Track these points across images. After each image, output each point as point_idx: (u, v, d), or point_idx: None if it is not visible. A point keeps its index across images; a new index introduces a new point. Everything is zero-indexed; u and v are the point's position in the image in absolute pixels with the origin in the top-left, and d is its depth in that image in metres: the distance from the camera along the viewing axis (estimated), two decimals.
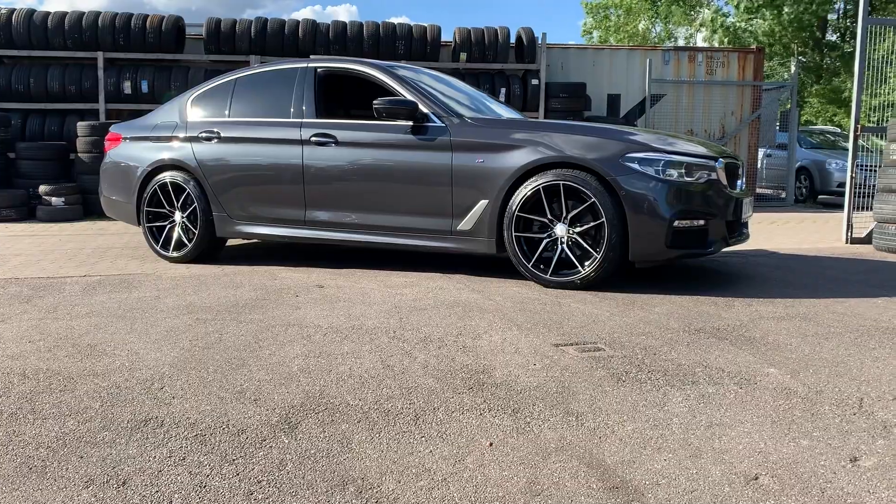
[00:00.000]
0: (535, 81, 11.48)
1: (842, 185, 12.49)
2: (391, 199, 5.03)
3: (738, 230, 4.86)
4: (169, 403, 2.56)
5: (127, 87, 10.95)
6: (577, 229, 4.51)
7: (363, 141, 5.13)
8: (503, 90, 11.40)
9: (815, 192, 13.28)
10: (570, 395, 2.65)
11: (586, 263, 4.48)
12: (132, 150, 6.13)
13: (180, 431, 2.32)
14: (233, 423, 2.39)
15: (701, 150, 4.65)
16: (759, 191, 13.54)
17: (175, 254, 5.85)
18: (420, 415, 2.47)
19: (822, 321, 3.79)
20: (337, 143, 5.20)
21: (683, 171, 4.42)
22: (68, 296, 4.40)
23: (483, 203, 4.73)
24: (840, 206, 8.89)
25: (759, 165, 13.56)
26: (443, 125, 4.89)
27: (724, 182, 4.62)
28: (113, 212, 6.39)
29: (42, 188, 9.58)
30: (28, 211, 9.65)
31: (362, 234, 5.19)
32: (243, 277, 5.01)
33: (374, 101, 4.93)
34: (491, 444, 2.24)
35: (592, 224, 4.46)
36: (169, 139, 5.92)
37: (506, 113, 5.88)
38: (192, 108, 5.99)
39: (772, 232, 8.13)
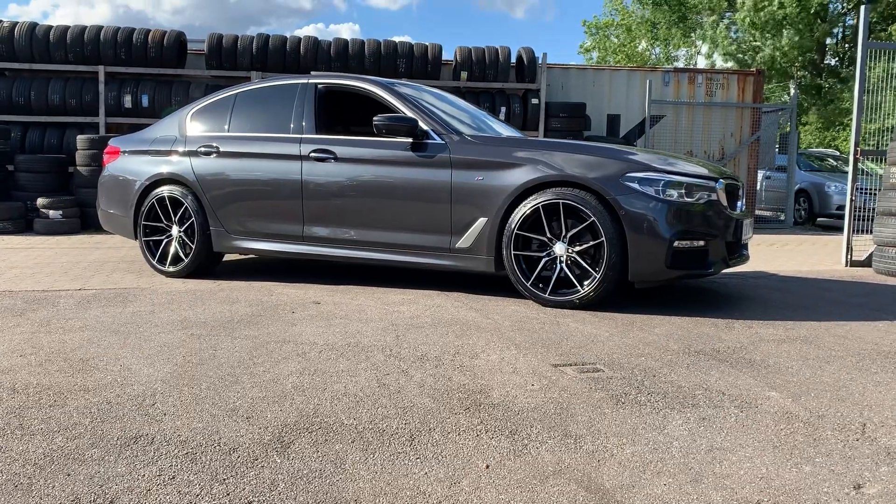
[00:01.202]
0: (535, 101, 11.51)
1: (841, 207, 12.50)
2: (390, 216, 5.00)
3: (738, 251, 4.83)
4: (160, 420, 2.51)
5: (128, 101, 10.96)
6: (577, 248, 4.48)
7: (363, 157, 5.11)
8: (503, 109, 11.42)
9: (814, 215, 13.28)
10: (569, 417, 2.61)
11: (585, 283, 4.45)
12: (131, 163, 6.11)
13: (170, 449, 2.27)
14: (224, 441, 2.35)
15: (701, 170, 4.63)
16: (758, 213, 13.54)
17: (172, 268, 5.81)
18: (415, 435, 2.42)
19: (822, 344, 3.75)
20: (336, 158, 5.18)
21: (684, 191, 4.40)
22: (62, 309, 4.36)
23: (482, 221, 4.71)
24: (839, 229, 8.90)
25: (758, 187, 13.57)
26: (442, 142, 4.88)
27: (725, 203, 4.60)
28: (110, 225, 6.35)
29: (40, 201, 9.56)
30: (26, 224, 9.63)
31: (361, 250, 5.16)
32: (239, 293, 4.97)
33: (375, 118, 4.92)
34: (487, 467, 2.19)
35: (592, 243, 4.43)
36: (168, 153, 5.90)
37: (505, 131, 5.88)
38: (191, 123, 5.98)
39: (771, 254, 8.11)
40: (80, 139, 9.96)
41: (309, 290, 5.11)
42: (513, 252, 4.62)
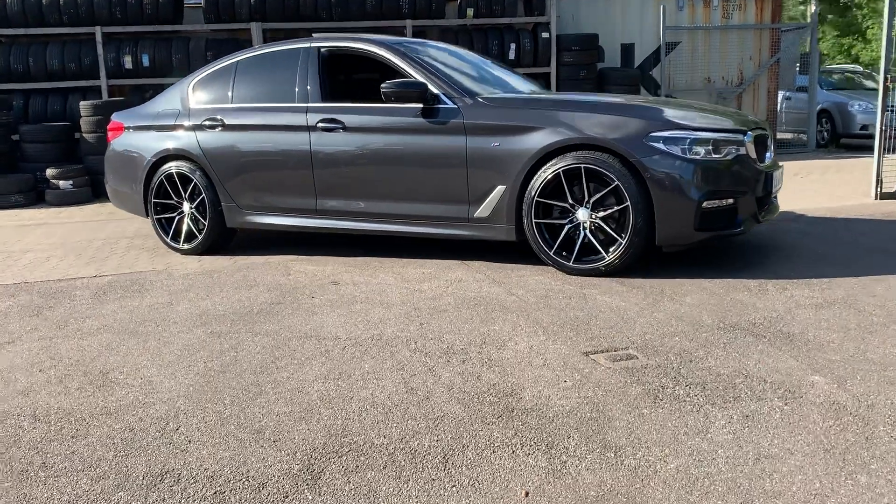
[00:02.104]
0: (545, 35, 11.10)
1: (865, 127, 12.16)
2: (405, 187, 4.84)
3: (768, 205, 4.64)
4: (185, 450, 2.44)
5: (128, 61, 10.70)
6: (601, 214, 4.32)
7: (372, 126, 4.92)
8: (513, 46, 11.04)
9: (836, 136, 12.90)
10: (606, 422, 2.51)
11: (611, 249, 4.30)
12: (135, 139, 5.95)
13: (198, 488, 2.20)
14: (253, 474, 2.27)
15: (728, 123, 4.41)
16: (779, 135, 13.18)
17: (186, 246, 5.72)
18: (449, 455, 2.34)
19: (863, 308, 3.61)
20: (345, 128, 4.99)
21: (711, 147, 4.20)
22: (78, 305, 4.29)
23: (500, 188, 4.54)
24: (863, 150, 8.60)
25: (778, 109, 13.17)
26: (455, 107, 4.67)
27: (754, 156, 4.39)
28: (121, 203, 6.24)
29: (49, 172, 9.44)
30: (37, 195, 9.52)
31: (377, 222, 5.02)
32: (256, 273, 4.87)
33: (382, 85, 4.70)
34: (527, 494, 2.11)
35: (616, 208, 4.27)
36: (172, 128, 5.73)
37: (525, 87, 5.62)
38: (193, 94, 5.78)
39: (796, 187, 7.87)
40: (84, 105, 9.76)
41: (327, 266, 5.00)
42: (534, 220, 4.46)
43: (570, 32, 11.42)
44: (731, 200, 4.27)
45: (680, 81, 11.91)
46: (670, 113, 4.39)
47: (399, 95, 4.70)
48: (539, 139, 4.39)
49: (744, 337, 3.26)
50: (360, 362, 3.15)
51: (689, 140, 4.16)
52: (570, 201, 4.39)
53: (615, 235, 4.28)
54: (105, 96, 10.55)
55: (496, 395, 2.76)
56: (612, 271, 4.32)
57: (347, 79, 5.84)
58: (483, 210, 4.62)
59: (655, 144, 4.16)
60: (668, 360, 3.02)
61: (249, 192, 5.41)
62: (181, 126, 5.67)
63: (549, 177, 4.37)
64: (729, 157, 4.24)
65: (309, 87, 5.21)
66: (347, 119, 4.99)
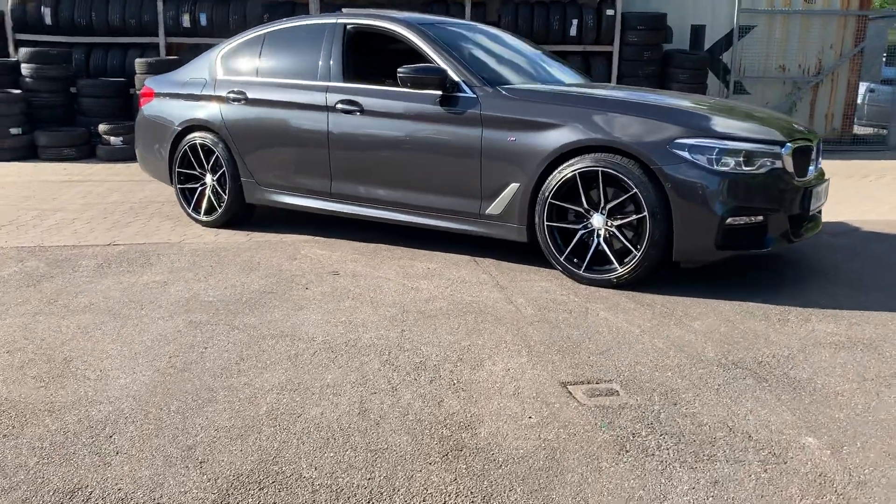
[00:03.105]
0: (610, 12, 10.61)
1: None
2: (418, 176, 4.63)
3: (804, 223, 4.25)
4: (108, 464, 2.33)
5: (186, 20, 10.71)
6: (617, 222, 4.03)
7: (389, 111, 4.71)
8: (574, 22, 10.60)
9: None
10: (557, 475, 2.29)
11: (624, 260, 4.02)
12: (164, 106, 5.89)
13: None
14: (164, 501, 2.14)
15: (766, 132, 4.03)
16: (857, 130, 12.38)
17: (206, 218, 5.66)
18: (373, 499, 2.16)
19: (888, 353, 3.25)
20: (362, 111, 4.79)
21: (742, 159, 3.84)
22: (78, 277, 4.25)
23: (514, 186, 4.28)
24: None
25: (859, 101, 12.35)
26: (473, 96, 4.41)
27: (791, 170, 4.01)
28: (147, 168, 6.22)
29: (101, 127, 9.55)
30: (89, 150, 9.66)
31: (389, 211, 4.83)
32: (263, 255, 4.76)
33: (399, 69, 4.48)
34: None
35: (633, 217, 3.97)
36: (198, 97, 5.64)
37: (567, 78, 5.30)
38: (221, 65, 5.67)
39: (862, 191, 7.31)
40: (139, 62, 9.81)
41: (336, 251, 4.86)
42: (545, 222, 4.20)
43: (637, 10, 10.88)
44: (759, 218, 3.92)
45: (752, 68, 11.26)
46: (702, 118, 4.05)
47: (416, 81, 4.47)
48: (557, 137, 4.11)
49: (743, 378, 2.97)
50: (324, 372, 2.99)
51: (717, 149, 3.82)
52: (586, 206, 4.11)
53: (630, 246, 3.99)
54: (163, 54, 10.60)
55: (451, 427, 2.56)
56: (623, 284, 4.04)
57: (371, 59, 5.62)
58: (495, 207, 4.39)
59: (679, 152, 3.83)
60: (650, 401, 2.77)
61: (268, 169, 5.29)
62: (207, 96, 5.58)
63: (565, 178, 4.09)
64: (762, 171, 3.88)
65: (332, 66, 5.03)
66: (365, 102, 4.79)
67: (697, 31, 11.33)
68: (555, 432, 2.53)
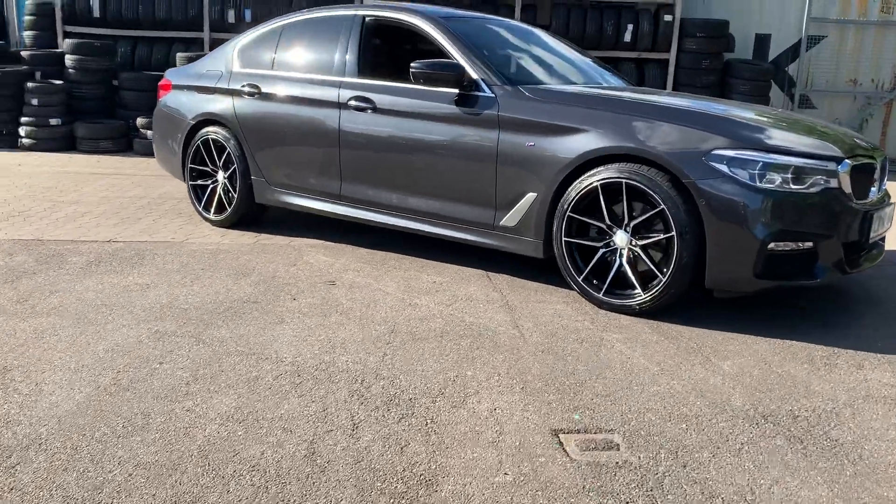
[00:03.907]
0: (668, 17, 10.04)
1: None
2: (429, 182, 4.24)
3: (863, 252, 3.71)
4: None
5: (231, 15, 10.56)
6: (643, 241, 3.56)
7: (403, 109, 4.32)
8: (630, 27, 10.08)
9: None
10: None
11: (650, 285, 3.54)
12: (180, 99, 5.64)
13: None
14: None
15: (819, 147, 3.51)
16: None
17: (216, 217, 5.37)
18: None
19: None
20: (374, 109, 4.42)
21: (790, 176, 3.34)
22: (61, 275, 3.98)
23: (531, 196, 3.85)
24: None
25: None
26: (492, 96, 4.00)
27: (849, 190, 3.48)
28: (163, 163, 5.98)
29: (139, 120, 9.46)
30: (127, 143, 9.56)
31: (399, 217, 4.45)
32: (263, 258, 4.43)
33: (412, 64, 4.10)
34: None
35: (662, 237, 3.49)
36: (213, 90, 5.37)
37: (607, 81, 4.85)
38: (237, 57, 5.39)
39: None
40: (179, 57, 9.67)
41: (340, 258, 4.50)
42: (563, 238, 3.75)
43: (697, 17, 10.29)
44: (809, 244, 3.41)
45: (820, 81, 10.55)
46: (746, 127, 3.55)
47: (430, 77, 4.08)
48: (579, 143, 3.67)
49: (773, 436, 2.48)
50: (281, 400, 2.61)
51: (760, 164, 3.32)
52: (608, 222, 3.65)
53: (655, 270, 3.51)
54: (207, 49, 10.46)
55: (408, 481, 2.15)
56: (646, 311, 3.56)
57: (391, 54, 5.24)
58: (510, 218, 3.96)
59: (716, 165, 3.35)
60: (655, 460, 2.30)
61: (278, 167, 4.96)
62: (221, 90, 5.29)
63: (586, 189, 3.64)
64: (813, 190, 3.36)
65: (347, 60, 4.68)
66: (378, 99, 4.42)
67: (762, 41, 10.68)
68: (530, 497, 2.09)
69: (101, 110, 9.91)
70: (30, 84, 9.27)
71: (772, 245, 3.33)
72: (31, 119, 9.21)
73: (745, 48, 10.56)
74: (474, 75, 4.08)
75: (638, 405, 2.66)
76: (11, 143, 9.31)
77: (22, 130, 9.19)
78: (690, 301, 3.73)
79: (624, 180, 3.51)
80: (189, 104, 5.50)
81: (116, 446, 2.27)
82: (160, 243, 4.77)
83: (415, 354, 3.04)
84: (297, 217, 5.58)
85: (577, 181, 3.68)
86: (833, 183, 3.39)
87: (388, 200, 4.46)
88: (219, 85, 5.31)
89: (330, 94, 4.64)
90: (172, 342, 3.10)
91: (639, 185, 3.47)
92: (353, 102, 4.50)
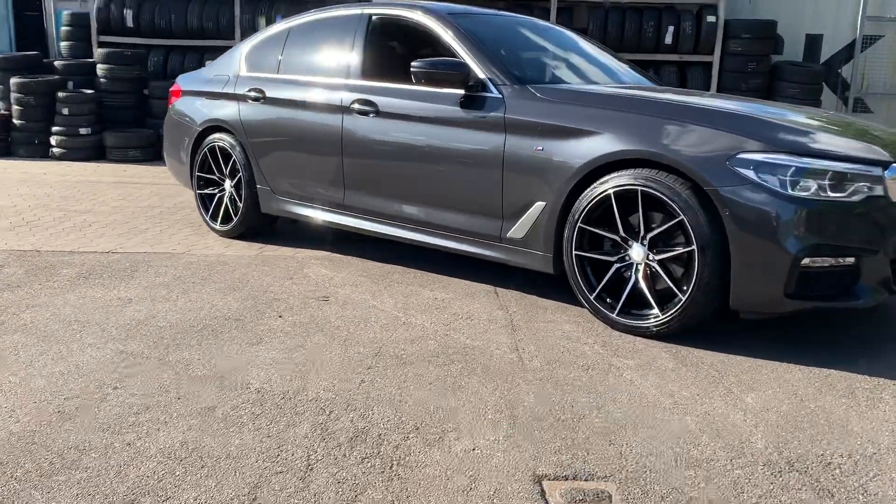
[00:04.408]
0: (711, 18, 9.57)
1: None
2: (433, 190, 3.94)
3: None
4: None
5: (262, 23, 10.45)
6: (660, 256, 3.19)
7: (406, 112, 4.03)
8: (671, 29, 9.63)
9: None
10: None
11: (668, 305, 3.17)
12: (188, 105, 5.45)
13: None
14: None
15: (863, 150, 3.10)
16: None
17: (222, 227, 5.16)
18: None
19: None
20: (377, 112, 4.14)
21: (828, 182, 2.94)
22: (45, 289, 3.79)
23: (539, 206, 3.52)
24: None
25: None
26: (499, 96, 3.68)
27: None
28: (173, 171, 5.80)
29: None
30: (154, 152, 9.47)
31: (402, 228, 4.16)
32: (259, 272, 4.18)
33: (413, 63, 3.80)
34: None
35: (681, 251, 3.12)
36: (220, 96, 5.16)
37: (633, 81, 4.49)
38: (245, 61, 5.17)
39: None
40: (208, 65, 9.57)
41: (342, 272, 4.23)
42: (574, 251, 3.41)
43: (743, 18, 9.80)
44: (850, 260, 3.00)
45: (876, 83, 9.94)
46: (778, 127, 3.15)
47: (432, 77, 3.79)
48: (591, 147, 3.32)
49: (798, 489, 2.09)
50: (234, 434, 2.33)
51: (793, 168, 2.93)
52: (622, 234, 3.29)
53: (674, 288, 3.14)
54: None
55: None
56: (664, 334, 3.19)
57: (397, 55, 4.94)
58: (518, 230, 3.63)
59: (742, 170, 2.97)
60: None
61: (283, 176, 4.72)
62: (228, 95, 5.08)
63: (598, 198, 3.29)
64: (855, 199, 2.96)
65: (351, 62, 4.42)
66: (381, 102, 4.14)
67: (813, 41, 10.12)
68: None
69: (132, 119, 9.87)
70: (60, 94, 9.27)
71: (806, 261, 2.93)
72: (61, 128, 9.20)
73: (795, 50, 10.01)
74: (481, 75, 3.77)
75: (641, 446, 2.31)
76: (43, 153, 9.32)
77: (53, 140, 9.18)
78: (716, 323, 3.34)
79: (639, 188, 3.16)
80: (197, 110, 5.31)
81: (35, 488, 2.01)
82: (160, 255, 4.57)
83: (396, 381, 2.73)
84: (306, 228, 5.34)
85: (589, 189, 3.33)
86: (878, 190, 2.97)
87: (391, 210, 4.17)
88: (225, 90, 5.11)
89: (333, 97, 4.38)
90: (134, 365, 2.85)
91: (656, 193, 3.11)
92: (356, 106, 4.23)
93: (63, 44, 10.80)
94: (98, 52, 9.78)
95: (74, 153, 9.18)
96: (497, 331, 3.31)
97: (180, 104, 5.53)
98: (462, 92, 3.78)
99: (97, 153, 9.30)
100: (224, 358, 2.93)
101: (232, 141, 4.99)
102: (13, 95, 9.27)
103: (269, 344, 3.08)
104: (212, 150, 5.15)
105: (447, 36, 4.01)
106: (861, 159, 3.01)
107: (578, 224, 3.37)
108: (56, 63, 9.90)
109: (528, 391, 2.68)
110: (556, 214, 3.46)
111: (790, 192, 2.91)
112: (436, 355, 2.99)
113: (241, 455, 2.20)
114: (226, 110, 5.04)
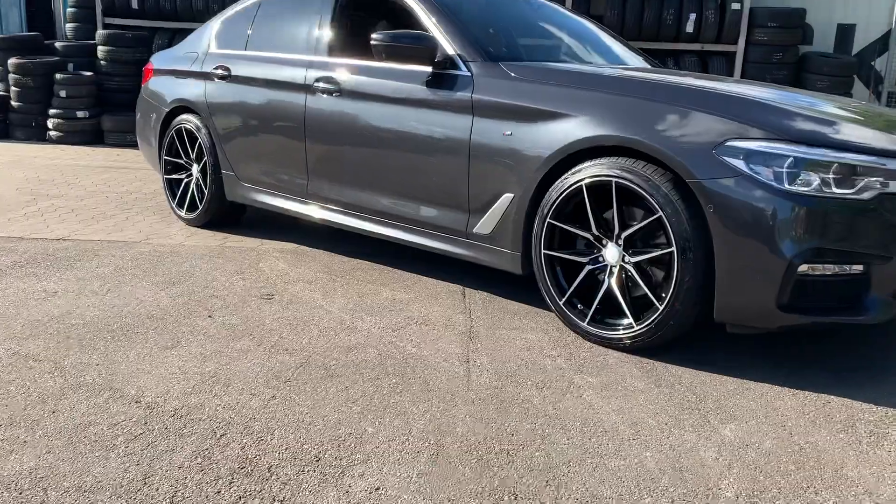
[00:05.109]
0: (735, 5, 9.02)
1: None
2: (398, 180, 3.55)
3: None
4: None
5: None
6: (637, 257, 2.76)
7: (370, 92, 3.64)
8: (692, 16, 9.11)
9: None
10: None
11: (644, 315, 2.74)
12: (157, 85, 5.12)
13: None
14: None
15: (873, 139, 2.65)
16: None
17: (188, 215, 4.82)
18: None
19: None
20: (340, 92, 3.76)
21: (832, 176, 2.49)
22: None
23: (507, 198, 3.11)
24: None
25: None
26: (468, 74, 3.27)
27: None
28: (145, 156, 5.48)
29: None
30: None
31: (367, 221, 3.77)
32: (210, 264, 3.83)
33: (373, 36, 3.41)
34: None
35: (660, 252, 2.70)
36: (187, 74, 4.81)
37: (631, 62, 4.06)
38: (216, 36, 4.81)
39: None
40: None
41: (301, 266, 3.86)
42: (543, 251, 2.99)
43: (768, 6, 9.23)
44: (858, 267, 2.55)
45: None
46: (776, 111, 2.70)
47: (394, 51, 3.39)
48: (563, 132, 2.90)
49: None
50: (97, 462, 1.96)
51: (790, 159, 2.49)
52: (595, 232, 2.87)
53: (650, 295, 2.71)
54: None
55: None
56: (639, 347, 2.76)
57: (367, 29, 4.54)
58: (484, 224, 3.22)
59: (731, 160, 2.53)
60: None
61: (248, 161, 4.37)
62: (195, 73, 4.74)
63: (570, 190, 2.87)
64: (865, 196, 2.50)
65: (318, 36, 4.04)
66: (345, 80, 3.75)
67: (845, 32, 9.52)
68: None
69: (132, 103, 9.56)
70: (58, 75, 9.02)
71: (804, 268, 2.49)
72: (58, 111, 8.95)
73: (825, 40, 9.43)
74: (450, 50, 3.36)
75: (583, 489, 1.90)
76: (41, 136, 9.08)
77: (50, 123, 8.94)
78: (702, 336, 2.91)
79: (614, 179, 2.73)
80: (166, 90, 4.97)
81: None
82: (114, 243, 4.23)
83: (313, 398, 2.35)
84: (279, 218, 4.96)
85: (560, 180, 2.91)
86: (893, 186, 2.52)
87: (354, 200, 3.79)
88: (192, 68, 4.76)
89: (296, 75, 4.00)
90: (23, 370, 2.49)
91: (631, 185, 2.68)
92: (319, 85, 3.85)
93: (68, 25, 10.57)
94: (99, 34, 9.52)
95: (72, 136, 8.93)
96: (451, 338, 2.91)
97: (152, 83, 5.20)
98: (429, 69, 3.38)
99: (95, 137, 9.04)
100: (126, 364, 2.56)
101: (198, 123, 4.65)
102: (11, 77, 9.04)
103: (184, 348, 2.71)
104: (178, 132, 4.81)
105: (417, 7, 3.61)
106: (873, 149, 2.55)
107: (548, 220, 2.95)
108: (57, 44, 9.66)
109: (465, 414, 2.28)
110: (525, 208, 3.05)
111: (787, 186, 2.47)
112: (371, 367, 2.60)
113: (94, 488, 1.83)
114: (192, 89, 4.69)
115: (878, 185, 2.50)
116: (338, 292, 3.45)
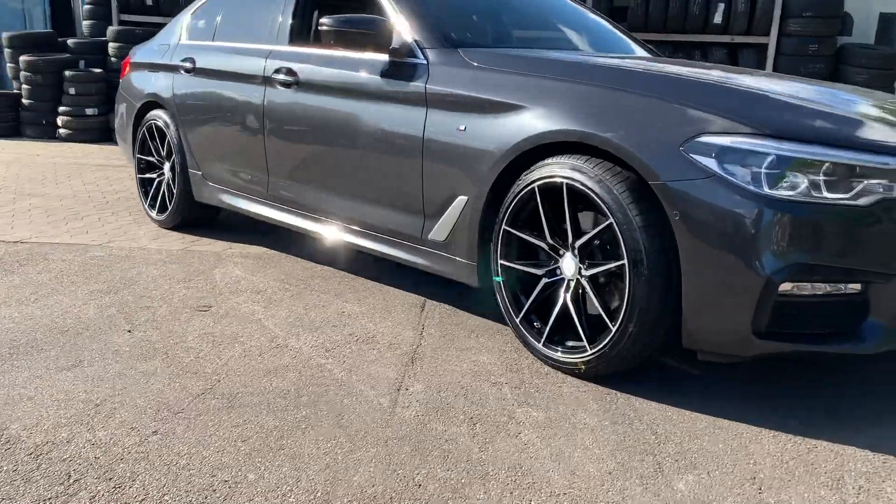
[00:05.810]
0: None
1: None
2: (354, 180, 3.22)
3: None
4: None
5: None
6: (591, 270, 2.39)
7: (326, 83, 3.33)
8: (721, 7, 8.60)
9: None
10: None
11: (600, 337, 2.37)
12: (132, 79, 4.88)
13: None
14: None
15: (873, 133, 2.22)
16: None
17: (158, 216, 4.57)
18: None
19: None
20: (298, 83, 3.44)
21: (822, 178, 2.08)
22: None
23: (461, 201, 2.76)
24: None
25: None
26: (423, 62, 2.92)
27: None
28: (124, 154, 5.24)
29: None
30: None
31: (324, 224, 3.45)
32: (163, 270, 3.56)
33: (321, 20, 3.08)
34: None
35: (613, 265, 2.32)
36: (159, 67, 4.56)
37: (630, 52, 3.69)
38: (188, 26, 4.55)
39: None
40: None
41: (259, 274, 3.57)
42: (499, 260, 2.63)
43: None
44: (855, 287, 2.13)
45: None
46: (756, 99, 2.30)
47: (344, 37, 3.06)
48: (517, 127, 2.54)
49: None
50: None
51: (771, 157, 2.09)
52: (550, 240, 2.50)
53: (603, 315, 2.33)
54: None
55: None
56: (591, 374, 2.39)
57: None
58: (439, 230, 2.87)
59: (701, 159, 2.14)
60: None
61: (213, 159, 4.10)
62: (165, 66, 4.48)
63: (524, 193, 2.51)
64: (863, 201, 2.09)
65: (279, 24, 3.73)
66: (302, 71, 3.44)
67: (888, 21, 8.91)
68: None
69: None
70: (68, 73, 8.90)
71: (787, 287, 2.08)
72: (68, 109, 8.83)
73: (866, 31, 8.83)
74: (408, 37, 3.02)
75: None
76: (51, 134, 8.98)
77: (59, 120, 8.82)
78: (681, 362, 2.53)
79: (565, 181, 2.36)
80: (139, 85, 4.73)
81: None
82: (72, 246, 3.99)
83: (201, 434, 2.03)
84: (258, 220, 4.68)
85: (515, 183, 2.55)
86: (895, 192, 2.10)
87: (313, 202, 3.48)
88: (163, 60, 4.50)
89: (256, 65, 3.70)
90: None
91: (581, 187, 2.30)
92: (278, 76, 3.54)
93: (85, 23, 10.48)
94: (109, 30, 9.39)
95: (81, 134, 8.81)
96: (389, 361, 2.56)
97: (127, 78, 4.97)
98: (385, 58, 3.04)
99: (104, 135, 8.90)
100: (13, 387, 2.28)
101: (167, 119, 4.38)
102: (22, 74, 8.95)
103: (83, 369, 2.42)
104: (150, 129, 4.56)
105: None
106: (872, 146, 2.14)
107: (504, 226, 2.59)
108: (69, 42, 9.55)
109: (371, 458, 1.94)
110: (479, 213, 2.69)
111: (766, 190, 2.07)
112: (283, 395, 2.28)
113: None
114: (162, 83, 4.44)
115: (881, 189, 2.09)
116: (283, 304, 3.13)
